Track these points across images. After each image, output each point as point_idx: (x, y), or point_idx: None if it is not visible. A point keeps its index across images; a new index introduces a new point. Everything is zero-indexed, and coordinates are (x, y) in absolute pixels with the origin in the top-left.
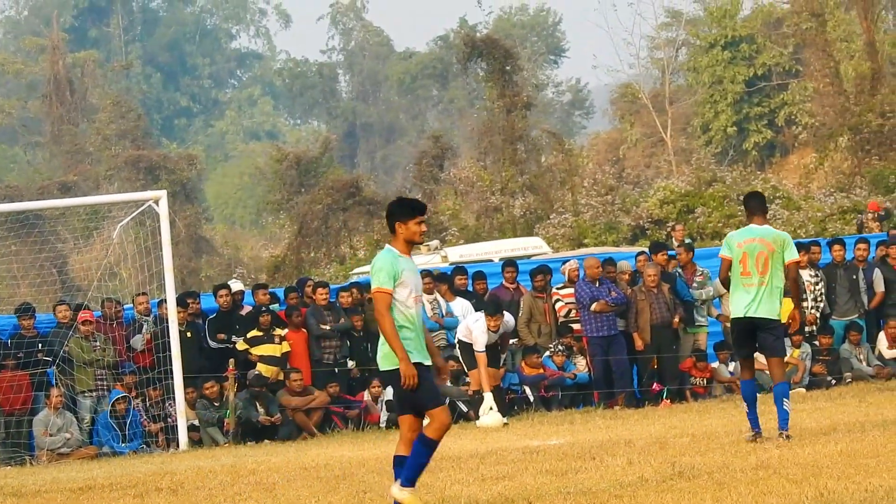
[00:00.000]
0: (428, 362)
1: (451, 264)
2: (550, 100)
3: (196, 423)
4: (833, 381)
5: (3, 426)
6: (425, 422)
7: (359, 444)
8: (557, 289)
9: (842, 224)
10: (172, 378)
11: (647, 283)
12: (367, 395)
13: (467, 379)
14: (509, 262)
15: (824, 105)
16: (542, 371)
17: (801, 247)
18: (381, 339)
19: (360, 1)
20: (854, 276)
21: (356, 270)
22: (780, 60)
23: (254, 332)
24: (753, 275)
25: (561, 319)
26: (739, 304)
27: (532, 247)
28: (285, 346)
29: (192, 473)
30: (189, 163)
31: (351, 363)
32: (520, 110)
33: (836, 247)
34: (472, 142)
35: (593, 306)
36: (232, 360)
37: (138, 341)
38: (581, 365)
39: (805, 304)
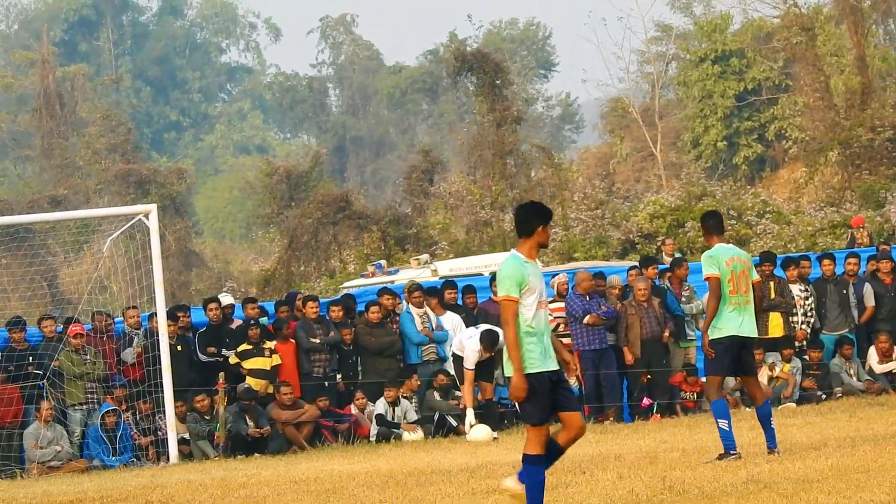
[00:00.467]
0: (555, 367)
1: (441, 278)
2: (540, 114)
3: (186, 436)
4: (823, 396)
5: None
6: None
7: (349, 458)
8: (547, 302)
9: (832, 239)
10: (162, 391)
11: (637, 297)
12: (353, 409)
13: (458, 393)
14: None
15: (814, 119)
16: None
17: (790, 261)
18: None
19: (350, 15)
20: (844, 291)
21: (346, 284)
22: (770, 75)
23: (244, 346)
24: (739, 293)
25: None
26: (732, 322)
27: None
28: (276, 359)
29: (182, 487)
30: (179, 177)
31: (338, 377)
32: (510, 124)
33: (826, 261)
34: (461, 156)
35: (586, 319)
36: (222, 374)
37: (129, 354)
38: (571, 379)
39: (795, 318)
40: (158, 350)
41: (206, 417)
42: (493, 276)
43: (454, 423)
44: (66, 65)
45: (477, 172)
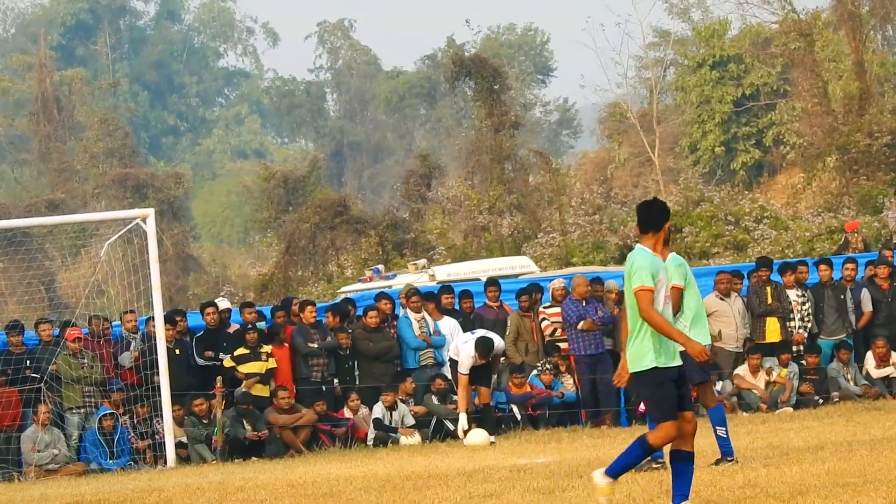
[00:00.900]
0: (675, 363)
1: (439, 283)
2: (538, 119)
3: (184, 440)
4: (820, 401)
5: None
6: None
7: (346, 462)
8: (544, 308)
9: (829, 244)
10: (160, 395)
11: None
12: (347, 412)
13: (455, 397)
14: (492, 282)
15: (812, 125)
16: (529, 390)
17: (787, 267)
18: (632, 338)
19: (348, 20)
20: (842, 296)
21: (343, 289)
22: (768, 80)
23: (241, 350)
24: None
25: (548, 338)
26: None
27: (519, 266)
28: (271, 363)
29: (179, 490)
30: (176, 181)
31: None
32: (507, 129)
33: (823, 267)
34: (459, 161)
35: (581, 324)
36: (219, 378)
37: (126, 358)
38: (568, 384)
39: (792, 323)
40: (156, 354)
41: (204, 421)
42: (488, 282)
43: (452, 428)
44: (64, 69)
45: (475, 177)
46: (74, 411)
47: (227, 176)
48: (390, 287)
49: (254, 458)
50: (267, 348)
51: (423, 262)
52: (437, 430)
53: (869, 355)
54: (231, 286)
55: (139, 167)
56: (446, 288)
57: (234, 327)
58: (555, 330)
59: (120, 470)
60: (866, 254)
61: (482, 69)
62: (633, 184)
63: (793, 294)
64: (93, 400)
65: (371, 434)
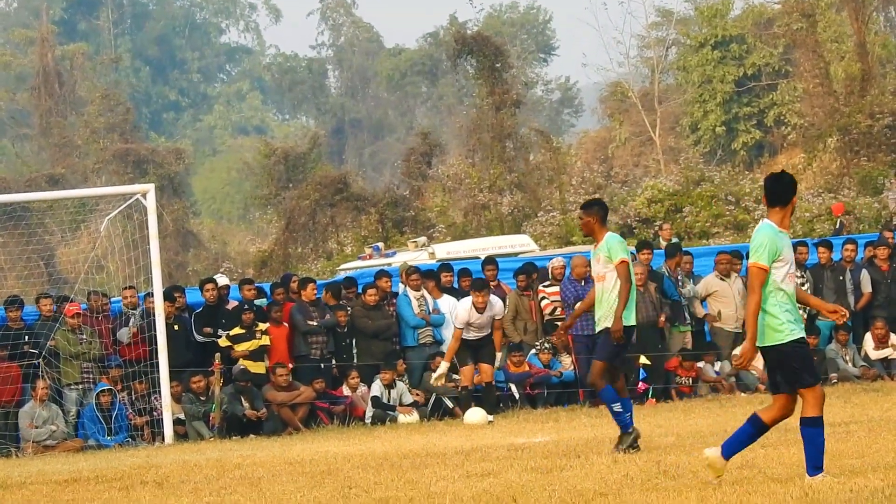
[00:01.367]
0: (802, 335)
1: (439, 261)
2: (539, 98)
3: (181, 416)
4: None
5: None
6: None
7: (344, 440)
8: (543, 286)
9: (830, 225)
10: (158, 371)
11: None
12: (346, 390)
13: (455, 376)
14: (489, 260)
15: (814, 106)
16: (527, 369)
17: None
18: (763, 313)
19: None
20: (841, 278)
21: (343, 266)
22: (769, 60)
23: (237, 330)
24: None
25: (547, 317)
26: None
27: (519, 244)
28: (264, 340)
29: (177, 467)
30: (177, 157)
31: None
32: (509, 108)
33: (822, 249)
34: (460, 139)
35: (577, 306)
36: (217, 355)
37: (124, 334)
38: (567, 363)
39: None
40: (155, 330)
41: (202, 398)
42: (485, 260)
43: (450, 406)
44: (66, 44)
45: (475, 156)
46: (73, 387)
47: (227, 152)
48: (390, 265)
49: (251, 436)
50: (262, 326)
51: (422, 239)
52: (435, 408)
53: (868, 336)
54: (230, 263)
55: (140, 143)
56: (446, 266)
57: (232, 304)
58: (554, 309)
59: (117, 446)
60: (867, 235)
61: (484, 47)
62: (633, 163)
63: None
64: (91, 376)
65: (369, 412)
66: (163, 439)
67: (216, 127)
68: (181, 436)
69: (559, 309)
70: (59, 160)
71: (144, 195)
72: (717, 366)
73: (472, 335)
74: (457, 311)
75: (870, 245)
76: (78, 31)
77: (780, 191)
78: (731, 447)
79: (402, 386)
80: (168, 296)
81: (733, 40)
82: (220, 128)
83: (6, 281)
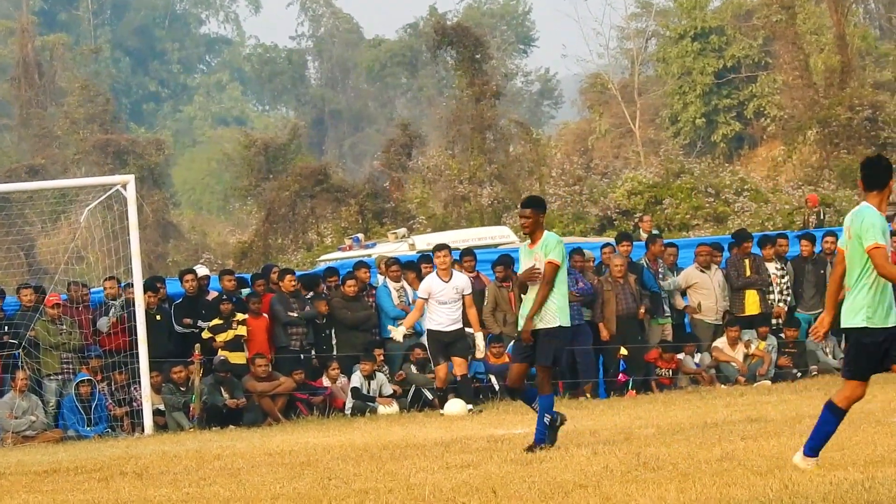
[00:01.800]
0: (889, 324)
1: (419, 252)
2: (519, 89)
3: (161, 407)
4: (799, 374)
5: None
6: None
7: (324, 431)
8: None
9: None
10: (138, 362)
11: (613, 273)
12: (325, 381)
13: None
14: (467, 252)
15: (793, 98)
16: (507, 360)
17: (767, 240)
18: (850, 294)
19: None
20: (822, 271)
21: (323, 257)
22: (749, 52)
23: (216, 321)
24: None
25: None
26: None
27: (499, 236)
28: (240, 330)
29: (157, 458)
30: (157, 148)
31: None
32: (489, 99)
33: (805, 241)
34: (440, 130)
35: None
36: (198, 346)
37: (104, 324)
38: None
39: (771, 296)
40: (135, 320)
41: (182, 389)
42: (463, 252)
43: (430, 397)
44: (46, 34)
45: (455, 147)
46: (52, 378)
47: (207, 143)
48: (370, 256)
49: (231, 427)
50: (240, 317)
51: (402, 231)
52: (415, 399)
53: None
54: (210, 253)
55: (120, 133)
56: (426, 257)
57: (212, 295)
58: None
59: (97, 437)
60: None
61: (464, 38)
62: (613, 155)
63: (772, 267)
64: (71, 366)
65: (349, 403)
66: (142, 430)
67: (196, 118)
68: (161, 426)
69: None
70: (39, 151)
71: (124, 186)
72: (697, 357)
73: (442, 316)
74: (421, 284)
75: None
76: (58, 22)
77: (876, 175)
78: (817, 441)
79: (381, 377)
80: (150, 286)
81: (713, 32)
82: (200, 119)
83: None
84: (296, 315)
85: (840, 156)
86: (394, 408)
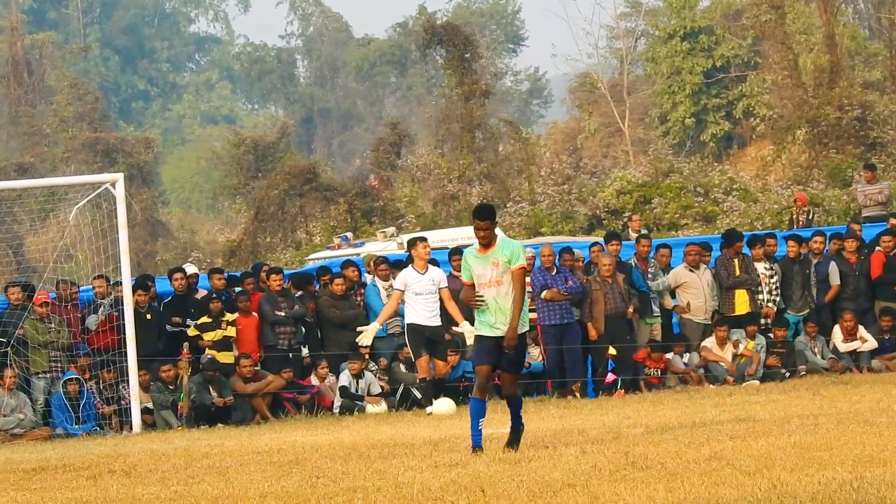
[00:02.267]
0: None
1: (407, 251)
2: (509, 88)
3: (150, 405)
4: (787, 374)
5: None
6: None
7: (312, 430)
8: None
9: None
10: (127, 360)
11: (601, 272)
12: (314, 379)
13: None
14: (456, 251)
15: (782, 97)
16: None
17: (756, 239)
18: None
19: None
20: (807, 271)
21: (312, 256)
22: (738, 52)
23: (204, 319)
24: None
25: None
26: None
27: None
28: (229, 331)
29: (145, 456)
30: (146, 146)
31: (304, 350)
32: (478, 98)
33: (792, 242)
34: (429, 129)
35: (543, 293)
36: (186, 344)
37: (93, 321)
38: (535, 354)
39: (760, 296)
40: (123, 319)
41: (170, 387)
42: (452, 251)
43: (419, 396)
44: (35, 32)
45: (444, 146)
46: (41, 376)
47: (196, 141)
48: (359, 255)
49: (219, 425)
50: (229, 316)
51: (391, 230)
52: (403, 398)
53: (836, 329)
54: (199, 252)
55: (109, 132)
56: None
57: (201, 293)
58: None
59: (85, 435)
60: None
61: (454, 37)
62: (602, 154)
63: (761, 267)
64: (59, 365)
65: (337, 402)
66: (131, 428)
67: (185, 116)
68: (149, 425)
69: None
70: (28, 149)
71: (113, 184)
72: (686, 357)
73: (421, 308)
74: (397, 277)
75: (835, 237)
76: (47, 20)
77: None
78: None
79: (370, 376)
80: (142, 285)
81: (702, 31)
82: (189, 117)
83: None
84: (283, 314)
85: (829, 155)
86: (382, 406)
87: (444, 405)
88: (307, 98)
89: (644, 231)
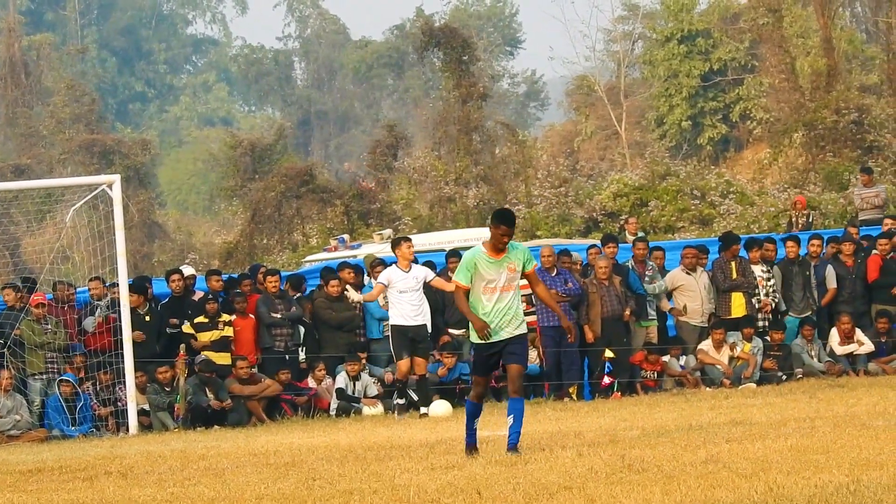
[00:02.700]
0: None
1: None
2: (506, 91)
3: (146, 407)
4: (784, 377)
5: None
6: None
7: (308, 432)
8: None
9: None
10: (123, 362)
11: (598, 275)
12: (311, 381)
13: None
14: (452, 253)
15: (779, 101)
16: None
17: (754, 242)
18: None
19: None
20: (807, 273)
21: (308, 258)
22: (736, 55)
23: (200, 318)
24: None
25: None
26: None
27: (485, 237)
28: (226, 331)
29: (141, 458)
30: (143, 148)
31: (301, 353)
32: (475, 101)
33: (791, 243)
34: (426, 131)
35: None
36: (182, 346)
37: (90, 323)
38: (532, 356)
39: (757, 299)
40: (120, 321)
41: (167, 389)
42: (449, 253)
43: (415, 398)
44: (32, 34)
45: (441, 148)
46: (37, 377)
47: (193, 143)
48: (355, 256)
49: (216, 427)
50: (226, 317)
51: (388, 232)
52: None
53: (833, 332)
54: (196, 254)
55: (106, 133)
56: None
57: (198, 294)
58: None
59: (82, 437)
60: (828, 230)
61: (451, 40)
62: (599, 157)
63: (757, 270)
64: (56, 366)
65: (334, 404)
66: (127, 430)
67: (182, 118)
68: (145, 426)
69: (526, 303)
70: (25, 150)
71: (110, 186)
72: (683, 360)
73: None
74: (381, 274)
75: (832, 241)
76: (45, 22)
77: None
78: None
79: (366, 378)
80: (140, 287)
81: (699, 35)
82: (187, 119)
83: None
84: (279, 316)
85: (826, 159)
86: (378, 409)
87: (440, 407)
88: (304, 100)
89: (641, 234)
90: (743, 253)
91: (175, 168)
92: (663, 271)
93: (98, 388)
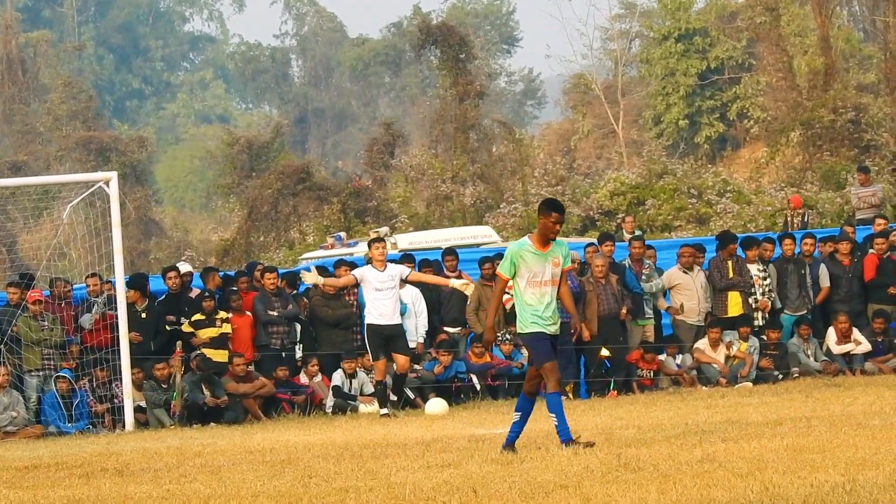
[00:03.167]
0: None
1: (401, 251)
2: (503, 89)
3: (143, 404)
4: (780, 376)
5: None
6: None
7: (305, 429)
8: None
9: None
10: (120, 359)
11: (594, 273)
12: (303, 377)
13: (416, 367)
14: (449, 251)
15: (777, 99)
16: (489, 359)
17: (751, 242)
18: None
19: None
20: (802, 271)
21: (305, 255)
22: (733, 54)
23: (197, 316)
24: None
25: (509, 309)
26: None
27: (481, 235)
28: (225, 328)
29: (137, 455)
30: (140, 145)
31: (298, 350)
32: (472, 99)
33: (787, 241)
34: (423, 129)
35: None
36: (179, 343)
37: (87, 320)
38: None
39: (753, 298)
40: (117, 318)
41: (163, 386)
42: (445, 251)
43: (412, 396)
44: (29, 31)
45: (438, 146)
46: (34, 374)
47: (190, 140)
48: (352, 254)
49: (212, 424)
50: (223, 314)
51: (385, 230)
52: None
53: (830, 331)
54: (192, 251)
55: (103, 130)
56: (407, 256)
57: (195, 292)
58: None
59: (78, 433)
60: (825, 230)
61: (448, 37)
62: (596, 155)
63: (754, 269)
64: (52, 363)
65: (330, 401)
66: (123, 427)
67: (179, 115)
68: (142, 423)
69: None
70: (22, 147)
71: (107, 183)
72: (679, 359)
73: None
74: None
75: (827, 239)
76: (42, 19)
77: None
78: None
79: (363, 376)
80: (139, 284)
81: (697, 33)
82: (184, 116)
83: None
84: (275, 314)
85: (823, 158)
86: (375, 406)
87: (436, 405)
88: (301, 98)
89: (637, 232)
90: (739, 252)
91: (172, 165)
92: (657, 270)
93: (95, 385)
